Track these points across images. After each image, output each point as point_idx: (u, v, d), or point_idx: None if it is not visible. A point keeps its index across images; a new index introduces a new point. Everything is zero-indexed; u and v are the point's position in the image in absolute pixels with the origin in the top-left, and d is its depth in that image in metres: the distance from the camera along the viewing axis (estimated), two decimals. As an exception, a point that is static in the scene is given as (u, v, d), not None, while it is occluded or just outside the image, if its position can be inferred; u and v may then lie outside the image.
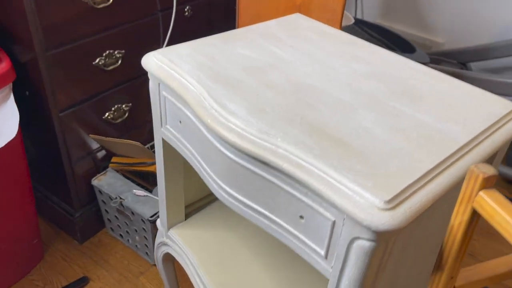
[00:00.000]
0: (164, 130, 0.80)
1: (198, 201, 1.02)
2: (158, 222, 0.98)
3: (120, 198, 1.28)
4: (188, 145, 0.74)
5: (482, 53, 1.85)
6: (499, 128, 0.64)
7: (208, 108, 0.64)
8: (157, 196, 1.33)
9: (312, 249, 0.59)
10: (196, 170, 0.74)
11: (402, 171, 0.54)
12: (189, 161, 0.76)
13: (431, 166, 0.55)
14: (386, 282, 0.60)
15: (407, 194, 0.51)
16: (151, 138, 1.50)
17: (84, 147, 1.29)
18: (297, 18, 0.91)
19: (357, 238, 0.52)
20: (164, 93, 0.75)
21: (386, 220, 0.48)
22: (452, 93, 0.70)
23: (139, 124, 1.44)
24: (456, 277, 0.55)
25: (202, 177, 0.73)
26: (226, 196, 0.68)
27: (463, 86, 0.72)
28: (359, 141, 0.58)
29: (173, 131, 0.78)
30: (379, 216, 0.49)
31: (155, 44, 1.38)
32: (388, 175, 0.53)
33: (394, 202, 0.50)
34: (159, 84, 0.75)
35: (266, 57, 0.76)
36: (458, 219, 0.51)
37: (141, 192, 1.30)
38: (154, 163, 1.28)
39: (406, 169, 0.54)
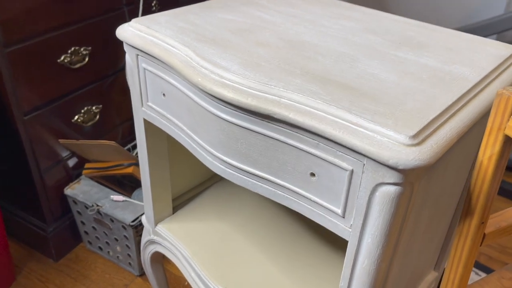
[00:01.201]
0: (146, 109, 0.73)
1: (185, 194, 0.94)
2: (143, 219, 0.90)
3: (97, 206, 1.19)
4: (174, 120, 0.68)
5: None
6: (507, 68, 0.61)
7: (197, 67, 0.58)
8: (137, 200, 1.24)
9: (327, 210, 0.54)
10: (186, 146, 0.68)
11: (421, 108, 0.49)
12: (176, 138, 0.69)
13: (450, 102, 0.50)
14: (408, 234, 0.55)
15: (431, 129, 0.46)
16: (125, 141, 1.42)
17: (53, 154, 1.19)
18: (277, -12, 0.87)
19: (381, 184, 0.47)
20: (143, 65, 0.68)
21: (414, 156, 0.43)
22: (451, 40, 0.66)
23: (112, 127, 1.35)
24: (487, 222, 0.51)
25: (193, 152, 0.66)
26: (223, 167, 0.61)
27: (460, 34, 0.69)
28: (368, 84, 0.53)
29: (156, 107, 0.71)
30: (406, 152, 0.43)
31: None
32: (407, 113, 0.48)
33: (419, 137, 0.45)
34: (137, 56, 0.69)
35: (252, 20, 0.71)
36: (488, 152, 0.47)
37: (119, 197, 1.21)
38: (132, 164, 1.19)
39: (424, 107, 0.49)
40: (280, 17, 0.73)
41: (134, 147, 1.42)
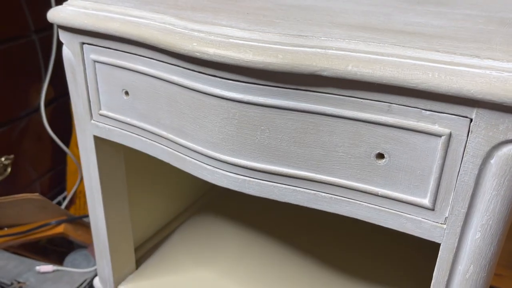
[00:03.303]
0: (97, 121, 0.53)
1: (149, 240, 0.72)
2: (96, 283, 0.66)
3: (19, 283, 0.90)
4: (144, 125, 0.49)
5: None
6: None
7: (185, 33, 0.40)
8: (73, 267, 0.98)
9: (404, 204, 0.38)
10: (166, 158, 0.48)
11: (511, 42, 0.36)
12: (148, 151, 0.50)
13: (541, 36, 0.39)
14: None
15: (551, 59, 0.34)
16: (47, 198, 1.15)
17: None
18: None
19: (502, 144, 0.32)
20: (93, 56, 0.49)
21: (559, 88, 0.30)
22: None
23: (28, 182, 1.08)
24: None
25: (179, 164, 0.47)
26: (232, 174, 0.43)
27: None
28: (427, 29, 0.40)
29: (113, 115, 0.51)
30: (547, 85, 0.30)
31: (35, 75, 1.07)
32: (508, 46, 0.35)
33: (549, 67, 0.32)
34: (82, 45, 0.49)
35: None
36: None
37: (47, 267, 0.94)
38: (63, 221, 0.94)
39: (517, 41, 0.37)
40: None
41: (59, 203, 1.16)
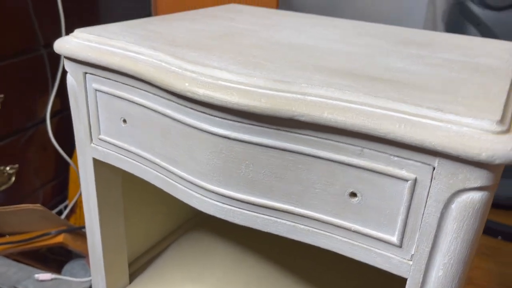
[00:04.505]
0: (97, 145, 0.56)
1: (143, 255, 0.75)
2: (91, 295, 0.69)
3: (18, 289, 0.93)
4: (141, 152, 0.52)
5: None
6: (523, 63, 0.55)
7: (179, 72, 0.44)
8: (71, 276, 1.01)
9: (374, 240, 0.41)
10: (159, 184, 0.52)
11: (483, 93, 0.39)
12: (143, 176, 0.53)
13: (507, 87, 0.42)
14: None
15: (509, 112, 0.37)
16: (48, 207, 1.18)
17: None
18: (237, 6, 0.77)
19: (461, 192, 0.35)
20: (94, 86, 0.53)
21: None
22: (455, 39, 0.60)
23: (31, 191, 1.12)
24: None
25: (171, 190, 0.50)
26: (219, 203, 0.46)
27: (455, 36, 0.63)
28: (403, 76, 0.43)
29: (112, 140, 0.54)
30: (500, 141, 0.33)
31: (43, 88, 1.11)
32: (472, 99, 0.38)
33: (505, 122, 0.35)
34: (85, 75, 0.53)
35: (226, 29, 0.59)
36: None
37: (46, 275, 0.97)
38: (63, 231, 0.97)
39: (484, 92, 0.40)
40: (257, 25, 0.62)
41: (60, 212, 1.19)
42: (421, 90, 0.40)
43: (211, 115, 0.43)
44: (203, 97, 0.41)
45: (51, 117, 1.13)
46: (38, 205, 0.92)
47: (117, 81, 0.50)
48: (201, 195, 0.47)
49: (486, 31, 1.41)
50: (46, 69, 1.11)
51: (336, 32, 0.61)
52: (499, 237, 1.38)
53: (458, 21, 1.48)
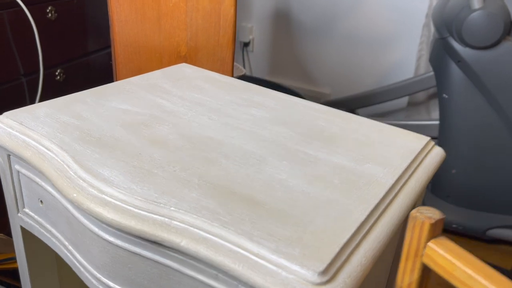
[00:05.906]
0: (23, 216, 0.61)
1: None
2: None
3: (-18, 309, 1.00)
4: (54, 231, 0.57)
5: (365, 99, 1.92)
6: (420, 164, 0.58)
7: (73, 178, 0.48)
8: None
9: None
10: (69, 263, 0.56)
11: (333, 227, 0.43)
12: (58, 252, 0.58)
13: (363, 218, 0.45)
14: None
15: (343, 257, 0.40)
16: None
17: None
18: (184, 68, 0.81)
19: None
20: (17, 167, 0.57)
21: (325, 298, 0.36)
22: (362, 131, 0.63)
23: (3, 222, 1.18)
24: None
25: (77, 271, 0.55)
26: (110, 293, 0.51)
27: (370, 123, 0.65)
28: (275, 196, 0.47)
29: (33, 215, 0.59)
30: (316, 294, 0.36)
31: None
32: (317, 235, 0.42)
33: (330, 272, 0.38)
34: (9, 156, 0.58)
35: (150, 110, 0.63)
36: (407, 279, 0.41)
37: (10, 296, 1.04)
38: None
39: (336, 224, 0.43)
40: (183, 105, 0.66)
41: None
42: (278, 218, 0.43)
43: (98, 221, 0.47)
44: (86, 209, 0.46)
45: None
46: (2, 234, 0.98)
47: (33, 168, 0.55)
48: (96, 283, 0.52)
49: (466, 69, 1.42)
50: (26, 96, 1.17)
51: (256, 115, 0.64)
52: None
53: (441, 55, 1.48)
